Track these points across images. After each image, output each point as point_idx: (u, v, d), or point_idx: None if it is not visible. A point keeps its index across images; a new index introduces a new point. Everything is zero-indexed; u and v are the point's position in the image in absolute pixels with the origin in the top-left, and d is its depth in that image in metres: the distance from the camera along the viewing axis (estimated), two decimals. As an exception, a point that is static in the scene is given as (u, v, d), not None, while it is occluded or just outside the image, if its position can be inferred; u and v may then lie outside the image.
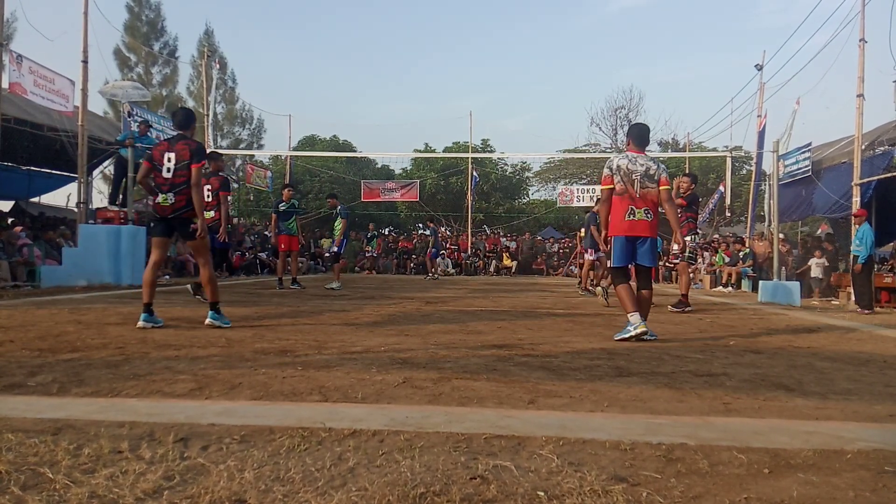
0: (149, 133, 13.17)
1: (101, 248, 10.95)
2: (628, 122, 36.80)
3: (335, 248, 13.06)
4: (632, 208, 5.28)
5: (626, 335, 5.15)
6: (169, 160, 5.51)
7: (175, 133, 5.81)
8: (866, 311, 9.88)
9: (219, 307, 5.62)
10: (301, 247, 14.52)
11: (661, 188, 5.40)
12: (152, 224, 5.75)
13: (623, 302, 5.29)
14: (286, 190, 12.50)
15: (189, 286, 8.49)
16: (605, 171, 5.43)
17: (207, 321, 5.48)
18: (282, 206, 12.05)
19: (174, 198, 5.49)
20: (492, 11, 76.14)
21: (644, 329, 5.12)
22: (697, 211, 9.29)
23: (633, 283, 5.60)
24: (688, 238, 8.79)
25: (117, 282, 10.68)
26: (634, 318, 5.17)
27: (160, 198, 5.52)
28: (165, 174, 5.50)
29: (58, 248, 13.03)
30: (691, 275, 12.32)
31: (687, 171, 26.66)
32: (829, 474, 2.02)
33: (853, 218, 11.90)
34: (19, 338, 4.61)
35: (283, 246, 12.14)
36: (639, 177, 5.31)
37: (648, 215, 5.33)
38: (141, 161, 6.15)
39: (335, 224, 12.98)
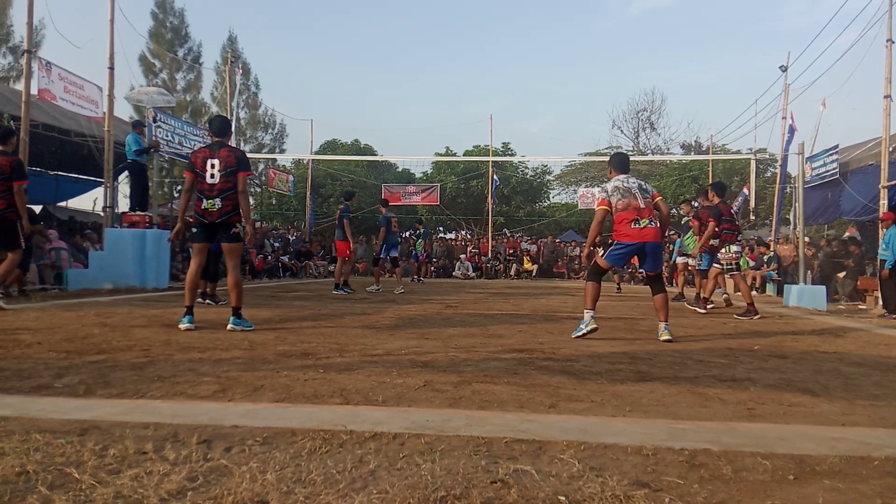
0: (144, 132, 13.13)
1: (126, 251, 11.10)
2: (650, 125, 36.59)
3: (381, 255, 13.12)
4: (637, 217, 5.63)
5: (580, 333, 5.57)
6: (213, 166, 5.61)
7: (213, 140, 5.85)
8: (894, 316, 9.69)
9: (240, 312, 5.67)
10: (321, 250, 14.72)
11: (656, 200, 5.81)
12: (195, 230, 5.81)
13: (586, 296, 5.75)
14: (353, 198, 12.71)
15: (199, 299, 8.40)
16: (601, 193, 5.86)
17: (230, 327, 5.51)
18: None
19: (221, 203, 5.58)
20: (513, 15, 76.06)
21: (595, 326, 5.54)
22: (733, 220, 9.40)
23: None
24: (735, 248, 9.14)
25: (142, 285, 10.83)
26: (588, 315, 5.62)
27: (207, 203, 5.58)
28: (210, 180, 5.60)
29: (84, 251, 13.24)
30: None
31: (711, 181, 26.47)
32: (856, 481, 1.98)
33: (880, 222, 11.67)
34: (47, 340, 4.69)
35: (349, 252, 12.28)
36: (636, 190, 5.73)
37: (653, 223, 5.68)
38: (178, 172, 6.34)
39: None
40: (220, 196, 5.59)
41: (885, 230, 10.64)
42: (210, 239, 5.81)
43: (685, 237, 12.06)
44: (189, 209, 5.91)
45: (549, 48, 74.27)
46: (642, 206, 5.65)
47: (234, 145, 6.06)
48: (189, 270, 5.86)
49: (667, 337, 5.50)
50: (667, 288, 6.03)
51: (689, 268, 12.16)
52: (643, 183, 5.89)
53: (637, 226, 5.61)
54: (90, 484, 1.80)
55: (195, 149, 6.13)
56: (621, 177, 5.86)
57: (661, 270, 5.96)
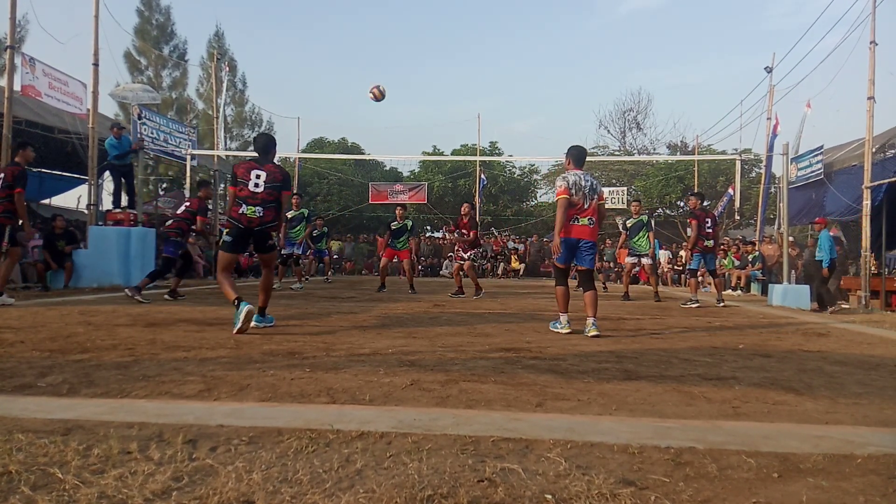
0: (122, 136, 12.94)
1: (110, 249, 11.02)
2: (637, 125, 36.75)
3: (297, 251, 12.81)
4: (576, 216, 5.92)
5: (556, 329, 5.90)
6: (258, 177, 5.55)
7: (257, 156, 5.81)
8: (821, 312, 10.24)
9: (265, 311, 5.72)
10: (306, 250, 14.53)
11: (601, 202, 6.07)
12: (229, 238, 5.63)
13: (558, 300, 6.01)
14: (399, 209, 12.54)
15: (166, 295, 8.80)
16: (562, 182, 5.97)
17: (252, 324, 5.46)
18: (394, 225, 12.14)
19: (263, 211, 5.53)
20: (501, 14, 76.18)
21: (570, 329, 5.79)
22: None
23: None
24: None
25: (127, 283, 10.70)
26: (564, 318, 5.89)
27: (246, 209, 5.50)
28: (253, 188, 5.53)
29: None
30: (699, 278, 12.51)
31: (696, 181, 26.59)
32: (839, 479, 2.00)
33: (814, 224, 12.42)
34: (30, 339, 4.64)
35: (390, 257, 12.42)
36: (587, 190, 5.95)
37: (591, 222, 5.95)
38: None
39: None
40: (263, 205, 5.53)
41: (818, 233, 11.37)
42: (242, 250, 5.82)
43: (636, 238, 12.11)
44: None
45: (537, 48, 74.41)
46: (586, 206, 5.91)
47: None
48: (218, 273, 5.80)
49: (594, 333, 5.60)
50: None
51: (644, 267, 12.25)
52: (595, 182, 6.09)
53: (576, 223, 5.89)
54: (74, 484, 1.78)
55: (237, 163, 6.02)
56: (578, 172, 6.03)
57: (594, 268, 6.18)
